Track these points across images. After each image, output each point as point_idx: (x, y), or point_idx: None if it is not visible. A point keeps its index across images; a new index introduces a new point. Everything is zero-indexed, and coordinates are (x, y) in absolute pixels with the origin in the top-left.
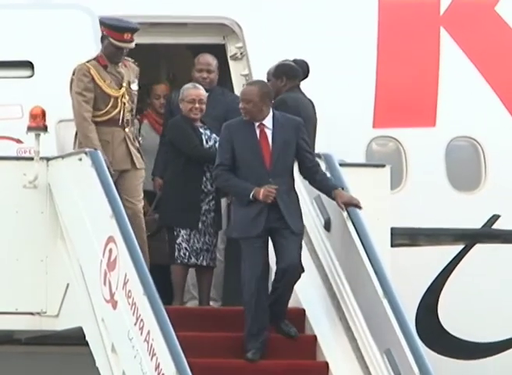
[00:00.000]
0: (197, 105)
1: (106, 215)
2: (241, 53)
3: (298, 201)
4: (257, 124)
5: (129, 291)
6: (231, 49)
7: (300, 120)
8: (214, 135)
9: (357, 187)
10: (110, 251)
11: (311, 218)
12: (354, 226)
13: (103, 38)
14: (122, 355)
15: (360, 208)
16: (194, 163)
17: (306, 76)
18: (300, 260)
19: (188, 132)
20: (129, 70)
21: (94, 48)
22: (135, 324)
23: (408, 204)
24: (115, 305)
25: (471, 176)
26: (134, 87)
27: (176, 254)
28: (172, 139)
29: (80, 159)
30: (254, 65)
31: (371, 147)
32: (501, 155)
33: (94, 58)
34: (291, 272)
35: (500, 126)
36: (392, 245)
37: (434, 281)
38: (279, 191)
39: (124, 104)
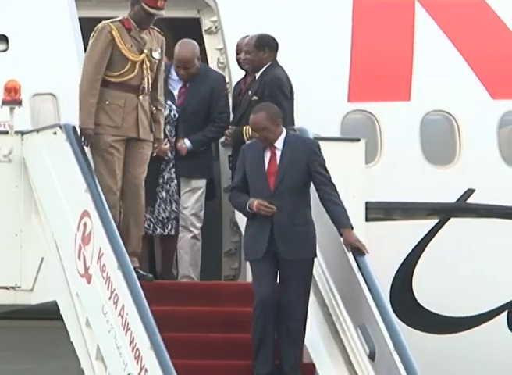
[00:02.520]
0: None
1: (81, 189)
2: (216, 27)
3: (308, 224)
4: (269, 147)
5: (104, 265)
6: (206, 23)
7: (314, 142)
8: (169, 102)
9: (332, 161)
10: (85, 225)
11: None
12: None
13: (134, 3)
14: (97, 329)
15: (363, 254)
16: None
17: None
18: (300, 300)
19: None
20: (154, 39)
21: (69, 22)
22: (109, 298)
23: (383, 178)
24: (89, 279)
25: (446, 151)
26: (156, 55)
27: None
28: None
29: (55, 133)
30: (228, 39)
31: (346, 121)
32: (476, 129)
33: (119, 20)
34: (284, 316)
35: (475, 100)
36: (366, 219)
37: (408, 255)
38: (281, 212)
39: (143, 71)
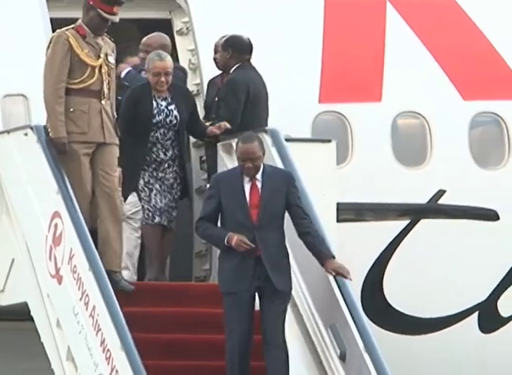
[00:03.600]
0: (162, 79)
1: (52, 190)
2: (187, 28)
3: (288, 256)
4: (248, 178)
5: (75, 266)
6: (177, 24)
7: (289, 173)
8: (171, 107)
9: (303, 162)
10: (55, 226)
11: None
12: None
13: (88, 9)
14: (68, 330)
15: (348, 278)
16: (141, 133)
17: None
18: (283, 330)
19: (130, 107)
20: (106, 44)
21: (40, 23)
22: (80, 299)
23: (354, 179)
24: (60, 280)
25: (417, 152)
26: (111, 60)
27: (142, 216)
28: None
29: (26, 134)
30: (200, 40)
31: (317, 122)
32: (447, 130)
33: (73, 27)
34: (272, 349)
35: (446, 101)
36: (337, 220)
37: (379, 256)
38: (266, 244)
39: (102, 75)
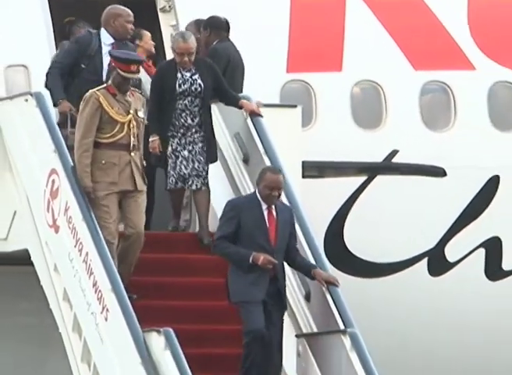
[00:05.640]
0: (185, 59)
1: (49, 150)
2: (169, 6)
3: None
4: (266, 206)
5: (70, 217)
6: (160, 2)
7: (290, 207)
8: (195, 77)
9: (272, 125)
10: (53, 181)
11: (231, 152)
12: (270, 160)
13: (112, 69)
14: (64, 274)
15: (337, 285)
16: (167, 101)
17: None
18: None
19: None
20: (136, 100)
21: (39, 10)
22: (75, 246)
23: (317, 140)
24: (57, 229)
25: (373, 116)
26: (141, 114)
27: (167, 181)
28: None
29: (27, 100)
30: (181, 16)
31: (285, 89)
32: (400, 97)
33: (104, 87)
34: (275, 352)
35: (399, 71)
36: (302, 177)
37: (340, 209)
38: (280, 266)
39: (130, 129)
